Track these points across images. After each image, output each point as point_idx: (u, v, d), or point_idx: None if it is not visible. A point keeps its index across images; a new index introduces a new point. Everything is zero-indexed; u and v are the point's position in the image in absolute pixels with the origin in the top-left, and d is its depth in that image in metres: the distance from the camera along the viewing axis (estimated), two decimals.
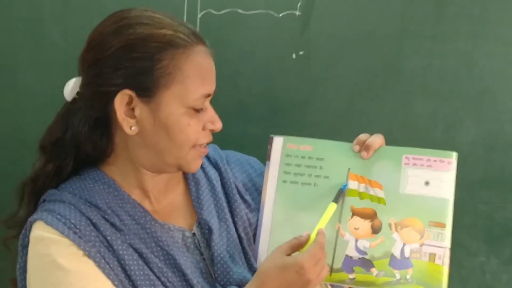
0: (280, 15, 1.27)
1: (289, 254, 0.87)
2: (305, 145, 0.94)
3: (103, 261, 0.84)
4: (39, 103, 1.31)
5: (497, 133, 1.23)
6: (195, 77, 0.88)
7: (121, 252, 0.86)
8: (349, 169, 0.92)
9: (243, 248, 0.95)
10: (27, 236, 0.89)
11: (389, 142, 1.26)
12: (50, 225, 0.86)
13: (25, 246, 0.89)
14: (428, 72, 1.24)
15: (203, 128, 0.91)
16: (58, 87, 1.30)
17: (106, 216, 0.89)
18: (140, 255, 0.87)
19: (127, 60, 0.87)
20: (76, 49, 1.29)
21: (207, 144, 0.94)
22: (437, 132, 1.24)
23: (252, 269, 0.93)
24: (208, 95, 0.91)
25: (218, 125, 0.92)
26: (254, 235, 0.97)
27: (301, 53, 1.27)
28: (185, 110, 0.88)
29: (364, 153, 0.92)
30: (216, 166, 1.02)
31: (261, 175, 1.01)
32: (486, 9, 1.22)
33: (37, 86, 1.31)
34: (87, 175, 0.94)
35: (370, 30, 1.25)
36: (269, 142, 0.95)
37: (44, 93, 1.31)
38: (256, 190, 1.01)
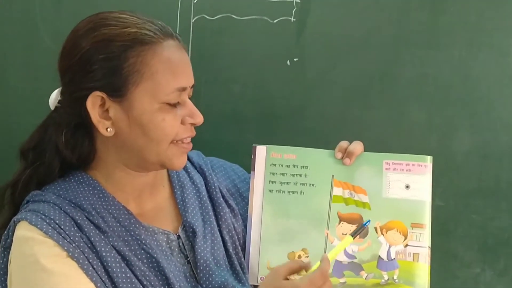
0: (275, 21, 1.26)
1: (286, 278, 0.86)
2: (289, 154, 0.96)
3: (86, 262, 0.84)
4: (30, 106, 1.30)
5: (492, 142, 1.23)
6: (164, 72, 0.87)
7: (104, 254, 0.85)
8: (333, 175, 0.94)
9: (227, 251, 0.95)
10: (9, 237, 0.88)
11: (383, 150, 1.26)
12: (34, 225, 0.85)
13: (7, 247, 0.88)
14: (423, 80, 1.23)
15: (182, 123, 0.90)
16: (49, 90, 1.30)
17: (90, 218, 0.88)
18: (123, 257, 0.87)
19: (94, 63, 0.87)
20: None
21: (192, 139, 0.93)
22: (431, 141, 1.24)
23: (235, 273, 0.93)
24: (183, 89, 0.89)
25: (197, 119, 0.91)
26: (239, 240, 0.97)
27: (295, 59, 1.26)
28: (158, 106, 0.88)
29: (346, 160, 0.94)
30: (200, 171, 1.03)
31: (244, 181, 1.03)
32: (482, 18, 1.22)
33: (28, 89, 1.30)
34: (72, 177, 0.94)
35: (365, 37, 1.25)
36: (253, 151, 0.96)
37: (35, 96, 1.30)
38: (240, 196, 1.02)
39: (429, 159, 0.94)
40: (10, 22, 1.28)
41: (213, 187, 1.00)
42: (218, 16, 1.26)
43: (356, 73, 1.25)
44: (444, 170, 1.23)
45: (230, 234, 0.96)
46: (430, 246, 0.92)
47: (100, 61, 0.87)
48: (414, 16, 1.23)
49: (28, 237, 0.85)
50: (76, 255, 0.84)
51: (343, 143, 0.96)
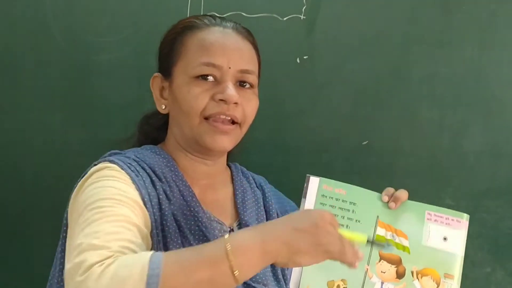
0: (285, 18, 1.26)
1: None
2: (340, 189, 1.01)
3: (152, 211, 0.87)
4: (40, 103, 1.30)
5: (504, 141, 1.22)
6: (195, 48, 0.96)
7: (165, 216, 0.89)
8: (377, 216, 1.00)
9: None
10: (81, 178, 0.90)
11: (395, 149, 1.25)
12: (115, 163, 0.90)
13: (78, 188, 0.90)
14: (434, 79, 1.23)
15: (213, 98, 0.93)
16: (59, 88, 1.31)
17: (161, 184, 0.92)
18: (179, 227, 0.90)
19: (160, 49, 1.02)
20: (77, 50, 1.29)
21: (230, 119, 0.94)
22: (443, 140, 1.23)
23: (277, 280, 0.97)
24: (211, 64, 0.93)
25: (226, 95, 0.92)
26: None
27: (305, 57, 1.26)
28: (188, 80, 0.94)
29: (392, 204, 0.99)
30: (260, 188, 1.08)
31: (294, 208, 1.08)
32: (494, 17, 1.21)
33: (39, 87, 1.31)
34: (148, 148, 1.00)
35: (376, 36, 1.24)
36: (306, 180, 1.01)
37: (45, 93, 1.30)
38: None
39: (466, 217, 0.99)
40: (21, 20, 1.28)
41: (270, 203, 1.05)
42: (228, 13, 1.25)
43: (366, 71, 1.25)
44: (455, 170, 1.23)
45: None
46: None
47: (163, 47, 1.01)
48: (426, 14, 1.23)
49: (107, 166, 0.89)
50: (145, 197, 0.87)
51: (390, 189, 1.01)
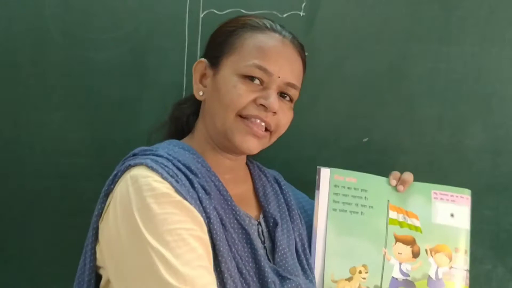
0: (284, 15, 1.25)
1: None
2: (350, 177, 1.05)
3: (199, 209, 0.87)
4: (39, 102, 1.30)
5: (504, 137, 1.22)
6: (252, 48, 0.96)
7: (209, 211, 0.88)
8: (388, 200, 1.04)
9: (297, 251, 1.00)
10: (114, 183, 0.89)
11: (395, 146, 1.25)
12: (154, 170, 0.86)
13: (109, 193, 0.89)
14: (434, 75, 1.22)
15: (255, 101, 0.95)
16: (58, 86, 1.30)
17: (198, 179, 0.91)
18: (221, 221, 0.91)
19: (212, 37, 1.03)
20: (76, 49, 1.29)
21: (266, 130, 0.96)
22: (443, 136, 1.23)
23: (303, 270, 0.98)
24: (263, 69, 0.95)
25: (269, 102, 0.94)
26: (307, 246, 1.03)
27: (305, 54, 1.25)
28: (236, 75, 0.95)
29: (400, 187, 1.04)
30: (276, 182, 1.09)
31: (308, 201, 1.10)
32: (494, 13, 1.21)
33: (37, 86, 1.30)
34: (174, 143, 0.99)
35: (375, 32, 1.23)
36: (317, 173, 1.05)
37: (43, 91, 1.29)
38: (305, 212, 1.08)
39: (467, 192, 1.05)
40: (18, 19, 1.27)
41: (288, 195, 1.07)
42: (227, 10, 1.25)
43: (366, 68, 1.24)
44: (455, 166, 1.23)
45: (300, 237, 1.02)
46: (468, 269, 1.02)
47: (219, 36, 1.01)
48: (426, 11, 1.22)
49: (148, 175, 0.85)
50: (192, 201, 0.86)
51: (397, 172, 1.06)
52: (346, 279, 1.01)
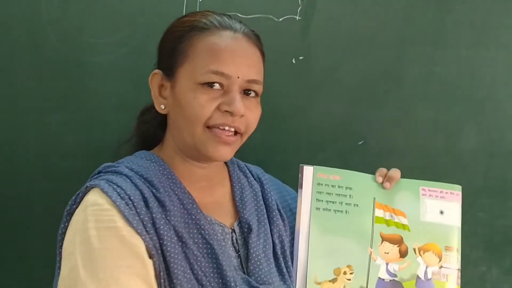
0: (280, 19, 1.26)
1: None
2: (334, 175, 1.01)
3: (148, 237, 0.86)
4: (37, 105, 1.30)
5: (498, 140, 1.23)
6: (205, 53, 0.92)
7: (162, 232, 0.87)
8: (374, 198, 1.00)
9: (275, 254, 0.98)
10: (76, 204, 0.90)
11: (390, 149, 1.26)
12: (106, 193, 0.87)
13: (71, 213, 0.90)
14: (429, 78, 1.23)
15: (219, 108, 0.92)
16: (56, 89, 1.30)
17: (158, 194, 0.91)
18: (180, 238, 0.89)
19: (162, 44, 0.99)
20: (74, 53, 1.29)
21: (236, 133, 0.94)
22: (438, 139, 1.24)
23: (281, 275, 0.96)
24: (220, 73, 0.91)
25: (233, 107, 0.91)
26: (286, 247, 1.00)
27: (301, 58, 1.26)
28: (194, 85, 0.92)
29: (387, 184, 1.00)
30: (258, 180, 1.06)
31: (294, 199, 1.05)
32: (488, 16, 1.22)
33: (34, 87, 1.30)
34: (142, 155, 0.99)
35: (371, 36, 1.24)
36: (300, 171, 1.01)
37: (41, 94, 1.30)
38: (290, 210, 1.05)
39: (458, 188, 1.02)
40: (16, 21, 1.28)
41: (269, 195, 1.04)
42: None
43: (362, 71, 1.25)
44: (450, 169, 1.23)
45: (280, 239, 1.00)
46: (460, 268, 0.99)
47: (164, 43, 0.98)
48: (421, 15, 1.23)
49: (97, 203, 0.87)
50: (139, 229, 0.85)
51: (383, 169, 1.02)
52: (330, 281, 0.97)
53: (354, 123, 1.26)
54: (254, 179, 1.06)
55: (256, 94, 0.96)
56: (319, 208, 0.99)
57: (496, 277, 1.22)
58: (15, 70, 1.29)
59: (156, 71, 0.97)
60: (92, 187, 0.90)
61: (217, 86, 0.92)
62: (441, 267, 0.98)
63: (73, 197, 0.92)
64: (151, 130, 1.04)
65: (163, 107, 0.96)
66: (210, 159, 0.95)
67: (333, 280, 0.97)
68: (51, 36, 1.28)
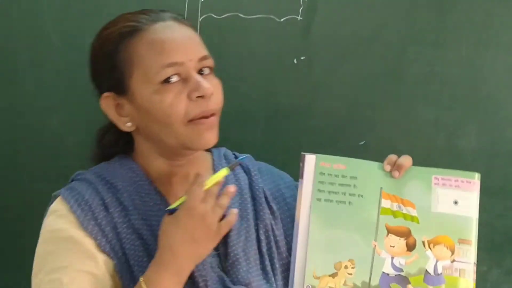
0: (282, 19, 1.26)
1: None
2: (338, 164, 0.95)
3: (104, 240, 0.88)
4: (38, 105, 1.30)
5: (499, 140, 1.23)
6: (150, 53, 0.89)
7: (124, 235, 0.88)
8: (381, 188, 0.94)
9: (260, 251, 0.95)
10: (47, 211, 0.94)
11: (391, 149, 1.26)
12: (65, 200, 0.91)
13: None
14: (430, 78, 1.23)
15: (190, 98, 0.89)
16: (56, 89, 1.30)
17: (121, 198, 0.91)
18: (144, 242, 0.89)
19: (96, 67, 0.95)
20: (75, 53, 1.29)
21: (211, 115, 0.91)
22: (439, 139, 1.24)
23: (265, 273, 0.94)
24: (174, 63, 0.89)
25: (203, 90, 0.89)
26: (276, 243, 0.97)
27: (302, 58, 1.26)
28: (154, 88, 0.89)
29: (395, 173, 0.93)
30: (247, 171, 1.03)
31: (290, 187, 1.02)
32: (489, 16, 1.22)
33: (34, 87, 1.30)
34: (117, 160, 0.99)
35: (372, 36, 1.24)
36: (301, 160, 0.95)
37: (42, 95, 1.30)
38: (284, 201, 1.02)
39: (477, 176, 0.94)
40: (18, 21, 1.28)
41: (257, 187, 1.00)
42: (225, 15, 1.26)
43: (363, 71, 1.25)
44: (451, 169, 1.23)
45: (266, 234, 0.97)
46: (475, 262, 0.92)
47: (99, 64, 0.94)
48: (421, 15, 1.23)
49: (56, 210, 0.91)
50: (94, 233, 0.87)
51: (392, 156, 0.95)
52: (329, 275, 0.92)
53: (356, 124, 1.26)
54: (244, 171, 1.03)
55: (210, 69, 0.94)
56: (320, 199, 0.94)
57: (496, 277, 1.23)
58: (16, 70, 1.30)
59: (106, 94, 0.93)
60: (57, 196, 0.94)
61: (175, 78, 0.89)
62: (453, 261, 0.91)
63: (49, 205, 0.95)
64: (120, 150, 1.01)
65: (129, 125, 0.93)
66: (202, 148, 0.94)
67: (333, 275, 0.92)
68: (52, 36, 1.28)
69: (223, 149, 1.06)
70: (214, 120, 0.92)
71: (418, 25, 1.23)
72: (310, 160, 0.95)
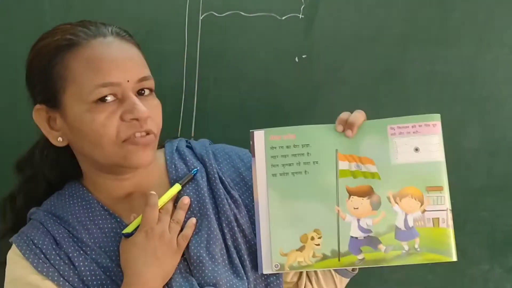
0: (283, 18, 1.26)
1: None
2: (288, 134, 0.92)
3: (62, 279, 0.87)
4: None
5: (501, 139, 1.23)
6: (85, 71, 0.86)
7: (83, 269, 0.88)
8: (336, 150, 0.90)
9: (226, 245, 0.93)
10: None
11: None
12: (18, 247, 0.91)
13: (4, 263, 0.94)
14: (431, 77, 1.23)
15: (123, 119, 0.87)
16: None
17: (74, 232, 0.91)
18: (106, 270, 0.89)
19: (31, 78, 0.92)
20: None
21: (148, 134, 0.89)
22: None
23: (233, 267, 0.91)
24: (109, 84, 0.86)
25: (137, 113, 0.86)
26: (242, 233, 0.94)
27: (304, 56, 1.26)
28: (86, 107, 0.86)
29: (348, 132, 0.90)
30: (202, 161, 0.99)
31: (250, 168, 0.97)
32: (491, 15, 1.21)
33: None
34: (66, 189, 0.98)
35: (374, 34, 1.24)
36: (251, 137, 0.93)
37: None
38: (245, 185, 0.98)
39: (437, 117, 0.89)
40: (18, 20, 1.28)
41: (213, 178, 0.96)
42: (227, 13, 1.25)
43: (364, 70, 1.25)
44: (452, 168, 1.22)
45: (230, 226, 0.93)
46: (450, 208, 0.87)
47: (34, 75, 0.91)
48: (423, 13, 1.23)
49: (11, 258, 0.92)
50: (50, 274, 0.87)
51: (344, 115, 0.92)
52: (297, 250, 0.89)
53: None
54: (199, 161, 0.99)
55: (150, 90, 0.91)
56: (275, 174, 0.91)
57: (498, 276, 1.22)
58: (17, 69, 1.29)
59: (38, 106, 0.91)
60: (13, 243, 0.93)
61: (110, 98, 0.86)
62: (424, 211, 0.87)
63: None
64: (68, 174, 0.99)
65: (60, 140, 0.91)
66: (135, 168, 0.91)
67: (301, 248, 0.89)
68: None
69: (176, 142, 1.02)
70: (149, 139, 0.89)
71: (419, 23, 1.23)
72: (259, 136, 0.92)
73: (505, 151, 1.22)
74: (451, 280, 1.23)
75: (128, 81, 0.87)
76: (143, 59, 0.93)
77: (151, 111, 0.89)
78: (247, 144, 1.25)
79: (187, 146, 1.03)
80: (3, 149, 1.31)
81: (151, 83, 0.91)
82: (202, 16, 1.26)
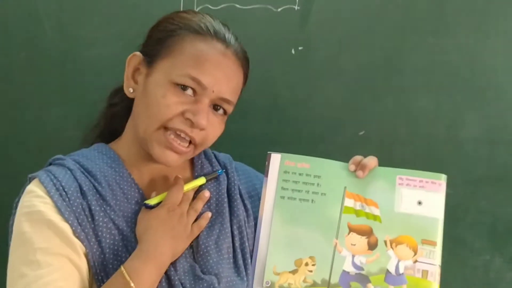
0: (279, 9, 1.25)
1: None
2: (302, 163, 0.98)
3: (79, 227, 0.87)
4: (35, 100, 1.29)
5: (500, 129, 1.22)
6: (189, 57, 0.91)
7: (101, 224, 0.89)
8: (345, 187, 0.95)
9: (234, 245, 0.97)
10: (21, 193, 0.92)
11: (391, 139, 1.25)
12: (42, 183, 0.90)
13: (17, 204, 0.92)
14: (430, 67, 1.22)
15: (183, 114, 0.91)
16: (53, 84, 1.29)
17: (100, 188, 0.91)
18: (121, 232, 0.90)
19: (153, 30, 0.97)
20: (71, 45, 1.28)
21: (192, 143, 0.93)
22: (439, 129, 1.23)
23: (236, 267, 0.95)
24: (197, 81, 0.90)
25: (197, 119, 0.90)
26: (248, 241, 0.99)
27: (300, 48, 1.25)
28: (167, 83, 0.91)
29: (360, 173, 0.95)
30: (224, 168, 1.05)
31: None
32: (489, 4, 1.21)
33: (31, 83, 1.29)
34: (96, 148, 0.99)
35: (371, 25, 1.23)
36: (267, 158, 0.99)
37: (38, 90, 1.29)
38: (258, 199, 1.02)
39: (443, 177, 0.94)
40: (13, 17, 1.27)
41: (233, 184, 1.02)
42: (222, 5, 1.25)
43: (362, 61, 1.24)
44: (452, 158, 1.23)
45: (240, 230, 0.98)
46: (440, 265, 0.91)
47: (159, 31, 0.95)
48: (421, 3, 1.22)
49: (33, 191, 0.89)
50: (71, 218, 0.87)
51: (358, 157, 0.97)
52: (290, 272, 0.94)
53: (355, 113, 1.25)
54: (221, 168, 1.04)
55: (225, 112, 0.96)
56: (283, 197, 0.97)
57: (499, 266, 1.22)
58: (12, 65, 1.29)
59: (137, 53, 0.96)
60: (34, 178, 0.92)
61: (189, 91, 0.91)
62: (416, 261, 0.91)
63: (22, 188, 0.94)
64: (119, 114, 1.02)
65: (131, 91, 0.95)
66: (156, 160, 0.94)
67: (294, 271, 0.94)
68: (48, 30, 1.27)
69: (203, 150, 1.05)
70: (185, 150, 0.93)
71: (417, 13, 1.22)
72: (275, 159, 0.98)
73: (505, 140, 1.22)
74: (452, 271, 1.22)
75: (213, 91, 0.91)
76: (239, 88, 0.98)
77: (209, 127, 0.93)
78: (244, 136, 1.25)
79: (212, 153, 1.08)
80: (3, 149, 1.30)
81: (229, 108, 0.96)
82: (197, 9, 1.26)
